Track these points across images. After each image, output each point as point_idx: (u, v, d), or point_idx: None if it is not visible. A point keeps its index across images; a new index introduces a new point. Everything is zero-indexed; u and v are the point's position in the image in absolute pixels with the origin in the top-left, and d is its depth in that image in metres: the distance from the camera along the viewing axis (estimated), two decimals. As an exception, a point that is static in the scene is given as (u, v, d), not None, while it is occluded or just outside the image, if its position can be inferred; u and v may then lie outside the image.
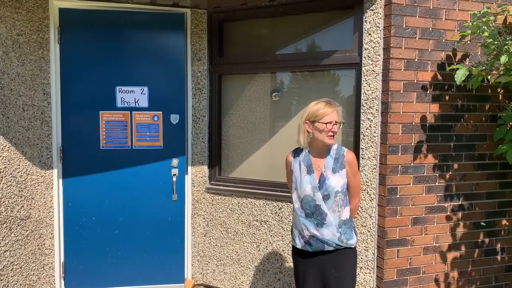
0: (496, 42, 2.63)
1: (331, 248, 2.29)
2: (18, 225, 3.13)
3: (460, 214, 3.06)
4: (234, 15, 3.45)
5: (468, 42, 2.95)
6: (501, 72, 2.71)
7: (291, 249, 3.28)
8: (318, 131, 2.27)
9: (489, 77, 2.72)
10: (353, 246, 2.34)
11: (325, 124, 2.25)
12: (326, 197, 2.26)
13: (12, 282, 3.09)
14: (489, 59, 2.74)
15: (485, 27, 2.66)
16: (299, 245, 2.37)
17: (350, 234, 2.33)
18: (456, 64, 2.91)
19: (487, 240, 3.14)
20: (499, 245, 3.17)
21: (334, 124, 2.26)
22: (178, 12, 3.42)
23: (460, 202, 3.05)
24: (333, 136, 2.28)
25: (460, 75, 2.65)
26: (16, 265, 3.12)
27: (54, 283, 3.42)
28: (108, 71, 3.35)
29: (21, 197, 3.15)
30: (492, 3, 2.96)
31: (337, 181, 2.27)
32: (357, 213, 3.00)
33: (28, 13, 3.16)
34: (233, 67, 3.53)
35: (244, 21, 3.51)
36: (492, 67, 2.70)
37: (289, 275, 3.30)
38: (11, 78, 3.10)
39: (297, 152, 2.43)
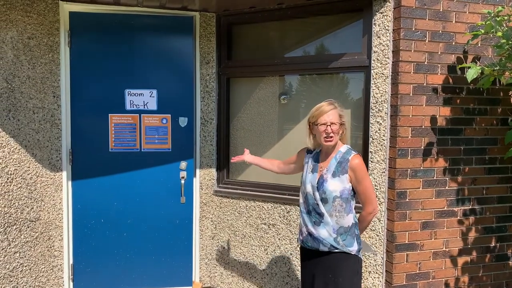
0: (510, 42, 2.60)
1: (326, 249, 2.24)
2: (28, 227, 3.16)
3: (470, 219, 3.03)
4: (243, 18, 3.46)
5: (479, 44, 2.92)
6: (513, 74, 2.68)
7: (299, 250, 3.28)
8: (317, 133, 2.28)
9: (501, 78, 2.68)
10: (352, 253, 2.24)
11: (320, 126, 2.24)
12: (324, 200, 2.23)
13: (22, 283, 3.12)
14: (503, 58, 2.70)
15: (499, 27, 2.63)
16: (299, 240, 2.39)
17: (350, 241, 2.25)
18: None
19: (498, 245, 3.10)
20: (510, 251, 3.13)
21: (328, 126, 2.22)
22: (187, 15, 3.43)
23: (470, 207, 3.02)
24: (329, 138, 2.23)
25: (471, 74, 2.60)
26: (25, 266, 3.14)
27: (63, 285, 3.44)
28: (117, 74, 3.37)
29: (31, 199, 3.18)
30: (504, 5, 2.93)
31: (335, 186, 2.21)
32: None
33: (39, 16, 3.19)
34: (242, 70, 3.53)
35: (253, 24, 3.52)
36: (505, 68, 2.67)
37: (297, 279, 3.29)
38: (22, 81, 3.13)
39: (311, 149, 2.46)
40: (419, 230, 2.92)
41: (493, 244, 3.09)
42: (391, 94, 2.87)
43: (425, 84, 2.86)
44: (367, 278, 3.01)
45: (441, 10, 2.85)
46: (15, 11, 3.08)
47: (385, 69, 2.88)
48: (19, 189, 3.08)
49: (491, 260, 3.10)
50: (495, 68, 2.67)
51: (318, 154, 2.38)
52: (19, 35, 3.10)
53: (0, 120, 2.98)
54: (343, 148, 2.30)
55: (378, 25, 2.89)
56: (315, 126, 2.28)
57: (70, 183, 3.40)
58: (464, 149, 2.98)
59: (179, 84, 3.43)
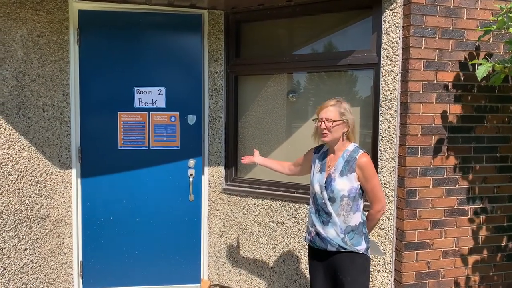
0: None
1: (334, 249, 2.25)
2: (38, 224, 3.18)
3: (481, 218, 3.00)
4: (251, 15, 3.45)
5: (490, 40, 2.88)
6: (525, 71, 2.64)
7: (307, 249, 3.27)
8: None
9: None
10: (360, 252, 2.25)
11: (317, 121, 2.29)
12: (331, 200, 2.23)
13: (32, 280, 3.14)
14: None
15: (511, 23, 2.59)
16: (307, 239, 2.39)
17: (358, 240, 2.25)
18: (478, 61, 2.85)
19: (509, 244, 3.07)
20: (521, 250, 3.10)
21: (322, 122, 2.24)
22: (195, 13, 3.43)
23: (481, 205, 2.99)
24: (324, 134, 2.25)
25: (482, 71, 2.56)
26: (35, 263, 3.17)
27: (73, 282, 3.46)
28: (126, 72, 3.38)
29: (40, 196, 3.20)
30: (515, 2, 2.89)
31: (343, 185, 2.21)
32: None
33: (48, 15, 3.20)
34: (250, 67, 3.53)
35: (261, 22, 3.51)
36: None
37: (305, 277, 3.28)
38: (31, 79, 3.15)
39: (318, 148, 2.46)
40: (428, 229, 2.89)
41: (504, 243, 3.06)
42: (401, 92, 2.85)
43: (435, 82, 2.84)
44: (376, 277, 3.00)
45: (451, 6, 2.82)
46: (25, 10, 3.10)
47: (394, 66, 2.86)
48: (29, 187, 3.11)
49: (502, 260, 3.06)
50: (506, 65, 2.63)
51: (325, 153, 2.38)
52: (29, 33, 3.12)
53: (10, 118, 3.01)
54: (350, 146, 2.30)
55: (388, 22, 2.87)
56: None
57: (79, 180, 3.42)
58: (474, 147, 2.95)
59: (188, 82, 3.44)
